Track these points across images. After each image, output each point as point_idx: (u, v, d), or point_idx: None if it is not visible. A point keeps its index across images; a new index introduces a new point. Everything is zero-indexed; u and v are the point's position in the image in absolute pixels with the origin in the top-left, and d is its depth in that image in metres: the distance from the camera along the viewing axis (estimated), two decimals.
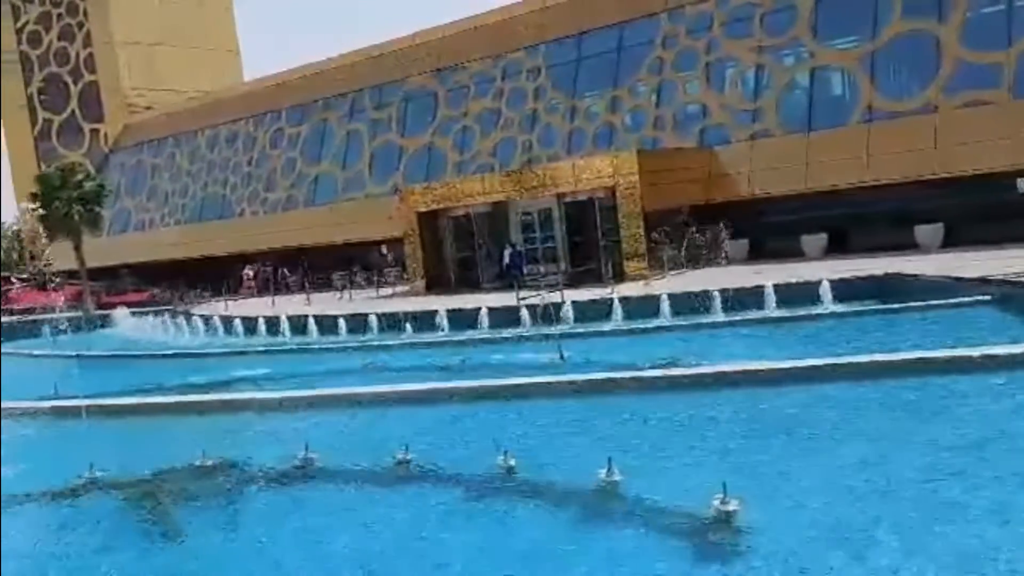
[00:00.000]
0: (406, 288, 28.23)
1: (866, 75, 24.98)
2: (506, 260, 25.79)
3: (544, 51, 32.14)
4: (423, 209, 27.70)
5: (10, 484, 8.36)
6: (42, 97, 53.03)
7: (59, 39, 51.89)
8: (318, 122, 39.21)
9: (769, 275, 19.59)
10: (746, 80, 27.67)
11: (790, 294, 16.84)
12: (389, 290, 28.61)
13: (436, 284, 27.25)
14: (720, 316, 15.87)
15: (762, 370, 10.02)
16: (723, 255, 25.38)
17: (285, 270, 32.44)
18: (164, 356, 19.25)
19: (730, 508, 5.87)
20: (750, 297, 16.88)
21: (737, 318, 15.58)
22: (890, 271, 17.63)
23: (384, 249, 32.04)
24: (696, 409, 9.34)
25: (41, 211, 27.97)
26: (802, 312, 15.33)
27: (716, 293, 17.00)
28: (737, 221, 25.94)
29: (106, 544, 7.00)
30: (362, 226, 34.46)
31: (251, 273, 34.08)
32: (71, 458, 8.96)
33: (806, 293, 16.65)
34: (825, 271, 18.80)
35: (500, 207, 26.90)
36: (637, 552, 5.79)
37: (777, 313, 15.69)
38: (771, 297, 16.67)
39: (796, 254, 24.75)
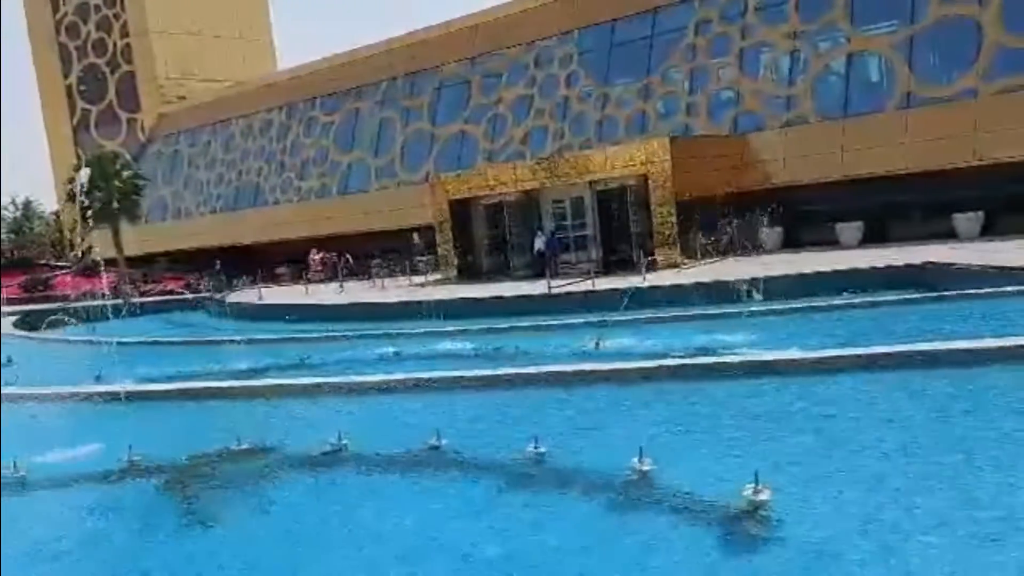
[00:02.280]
0: (437, 276, 28.36)
1: (904, 60, 24.56)
2: (538, 248, 25.81)
3: (577, 38, 32.01)
4: (455, 197, 27.79)
5: (52, 467, 8.59)
6: (81, 87, 53.87)
7: (97, 30, 52.64)
8: (351, 110, 39.42)
9: (803, 264, 19.46)
10: (780, 66, 27.35)
11: (824, 282, 16.70)
12: (421, 278, 28.76)
13: (467, 272, 27.35)
14: (752, 305, 15.73)
15: (809, 359, 9.94)
16: (757, 244, 25.18)
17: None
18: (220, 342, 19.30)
19: (761, 497, 5.87)
20: (783, 286, 16.73)
21: (771, 307, 15.44)
22: (931, 260, 17.38)
23: (416, 237, 32.19)
24: (734, 397, 9.32)
25: (83, 200, 28.51)
26: (839, 301, 15.13)
27: (747, 281, 16.88)
28: (771, 209, 25.70)
29: (144, 525, 7.18)
30: (394, 214, 34.66)
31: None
32: (111, 442, 9.17)
33: (842, 281, 16.46)
34: (862, 260, 18.61)
35: (532, 195, 26.89)
36: (670, 541, 5.82)
37: (813, 303, 15.50)
38: (805, 285, 16.54)
39: (831, 243, 24.48)
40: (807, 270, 18.25)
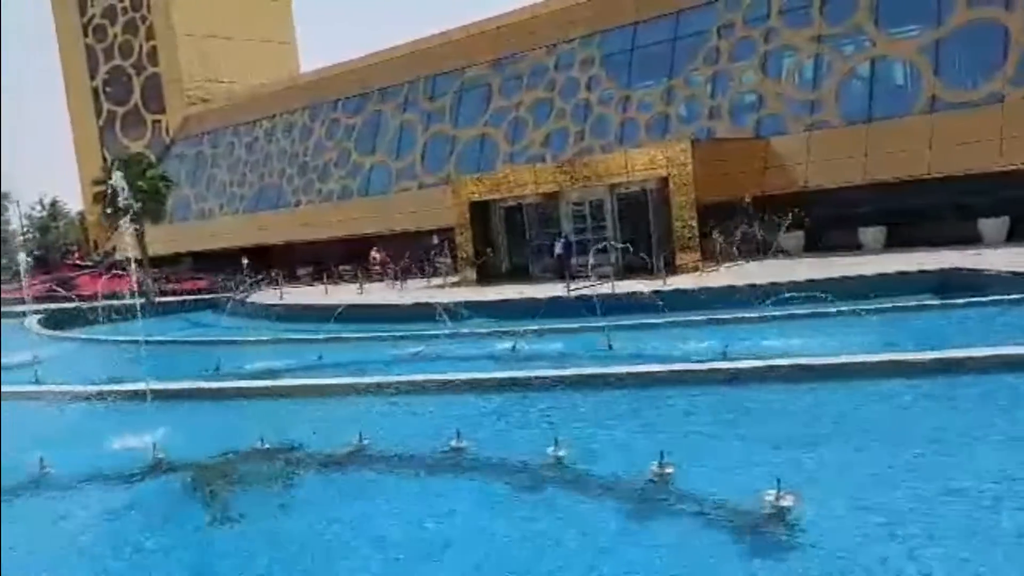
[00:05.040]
0: (456, 278, 28.40)
1: (929, 65, 24.34)
2: (557, 251, 25.80)
3: (598, 41, 31.99)
4: (475, 199, 27.84)
5: (78, 465, 8.69)
6: (107, 89, 54.52)
7: (123, 32, 53.26)
8: (373, 112, 39.61)
9: (825, 268, 19.31)
10: (804, 70, 27.19)
11: (848, 288, 16.54)
12: (440, 280, 28.81)
13: (486, 274, 27.38)
14: (773, 309, 15.62)
15: (842, 364, 9.87)
16: (779, 247, 25.03)
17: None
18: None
19: (785, 503, 5.84)
20: (806, 290, 16.60)
21: (791, 312, 15.34)
22: (955, 265, 17.20)
23: (436, 239, 32.25)
24: (753, 402, 9.28)
25: (119, 202, 28.83)
26: (866, 306, 14.97)
27: (767, 285, 16.78)
28: (793, 213, 25.53)
29: (169, 522, 7.25)
30: (414, 216, 34.77)
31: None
32: (136, 440, 9.27)
33: (865, 287, 16.31)
34: (885, 264, 18.45)
35: (552, 198, 26.88)
36: (691, 545, 5.80)
37: (833, 307, 15.37)
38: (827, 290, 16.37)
39: (854, 247, 24.29)
40: (868, 272, 17.84)
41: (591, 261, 24.10)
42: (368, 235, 36.35)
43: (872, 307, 14.09)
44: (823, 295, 14.89)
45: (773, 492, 5.94)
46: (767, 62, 27.76)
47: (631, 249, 24.60)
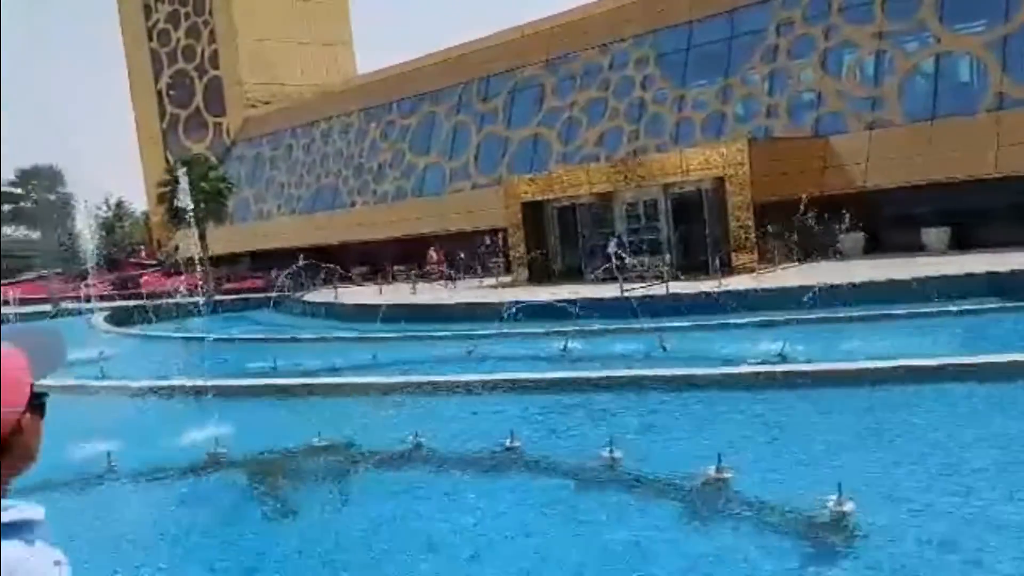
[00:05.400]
0: (508, 278, 28.46)
1: (997, 61, 23.60)
2: (610, 251, 25.66)
3: (653, 40, 31.75)
4: (527, 200, 27.86)
5: (142, 458, 8.93)
6: (170, 92, 55.95)
7: (186, 36, 54.60)
8: (426, 114, 39.92)
9: (886, 270, 18.84)
10: (865, 67, 26.61)
11: (907, 290, 16.13)
12: (492, 280, 28.90)
13: (539, 274, 27.38)
14: (829, 312, 15.32)
15: (886, 368, 9.65)
16: (838, 249, 24.51)
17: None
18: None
19: (845, 509, 5.72)
20: (865, 293, 16.25)
21: (850, 314, 15.03)
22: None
23: (488, 239, 32.36)
24: (806, 407, 9.11)
25: (186, 202, 29.67)
26: (926, 309, 14.59)
27: (823, 287, 16.43)
28: (853, 213, 24.99)
29: (227, 516, 7.41)
30: (467, 216, 34.94)
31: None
32: (197, 434, 9.50)
33: (927, 289, 15.88)
34: (949, 266, 17.92)
35: (605, 198, 26.77)
36: (747, 551, 5.72)
37: (896, 310, 15.01)
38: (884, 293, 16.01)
39: (916, 248, 23.65)
40: (950, 271, 17.31)
41: (645, 261, 23.94)
42: (421, 235, 36.65)
43: (965, 308, 13.75)
44: (896, 297, 14.58)
45: (833, 497, 5.82)
46: (827, 59, 27.22)
47: (686, 249, 24.39)
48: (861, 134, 25.71)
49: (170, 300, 25.68)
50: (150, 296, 35.15)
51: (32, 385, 1.44)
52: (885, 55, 26.07)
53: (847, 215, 24.78)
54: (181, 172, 27.45)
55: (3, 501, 1.36)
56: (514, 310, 18.55)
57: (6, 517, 1.33)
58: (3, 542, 1.29)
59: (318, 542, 6.49)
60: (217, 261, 42.87)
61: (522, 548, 6.08)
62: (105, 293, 38.43)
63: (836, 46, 27.06)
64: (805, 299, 15.63)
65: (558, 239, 28.30)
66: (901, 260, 21.03)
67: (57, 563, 1.35)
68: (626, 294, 19.60)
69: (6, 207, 63.84)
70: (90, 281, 33.52)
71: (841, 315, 14.75)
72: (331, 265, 35.85)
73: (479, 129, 37.17)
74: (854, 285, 16.47)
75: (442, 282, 30.09)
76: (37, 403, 1.45)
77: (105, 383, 13.54)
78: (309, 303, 27.41)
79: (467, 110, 38.03)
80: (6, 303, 31.08)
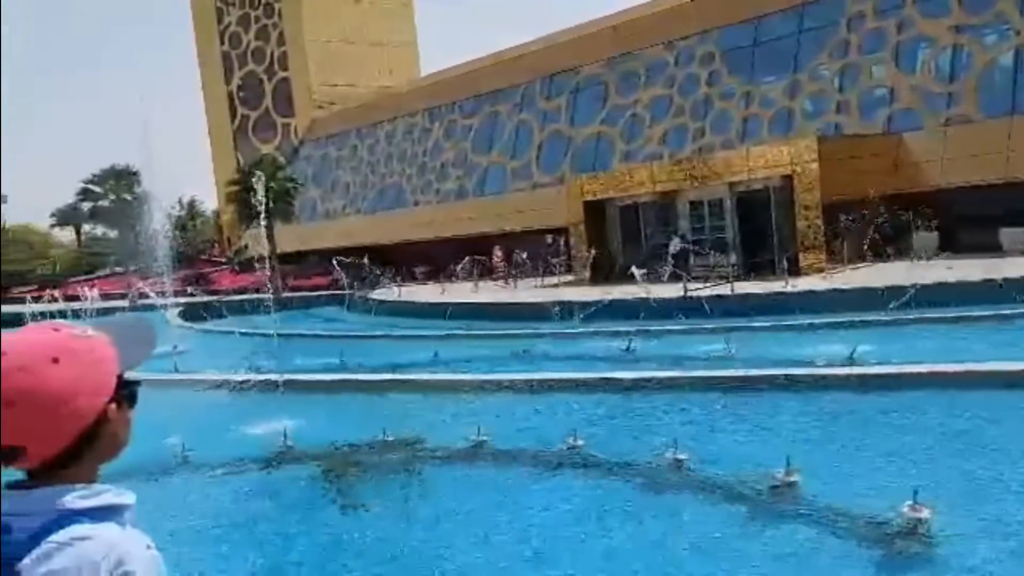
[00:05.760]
0: (570, 278, 28.39)
1: None
2: (673, 250, 25.38)
3: (719, 36, 31.30)
4: (590, 198, 27.74)
5: (214, 450, 9.18)
6: (240, 94, 57.36)
7: (256, 39, 55.90)
8: (489, 113, 40.09)
9: (963, 270, 18.21)
10: (941, 62, 25.79)
11: (984, 291, 15.58)
12: (554, 279, 28.87)
13: (600, 274, 27.23)
14: (901, 313, 14.89)
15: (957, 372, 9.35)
16: (911, 249, 23.81)
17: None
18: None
19: (922, 515, 5.56)
20: (937, 294, 15.75)
21: (922, 316, 14.59)
22: None
23: (550, 239, 32.32)
24: (877, 410, 8.88)
25: (260, 201, 30.48)
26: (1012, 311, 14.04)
27: (892, 288, 15.99)
28: (926, 212, 24.25)
29: (295, 507, 7.57)
30: (528, 215, 34.96)
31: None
32: (268, 427, 9.72)
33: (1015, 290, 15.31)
34: None
35: (668, 196, 26.50)
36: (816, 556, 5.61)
37: (972, 312, 14.50)
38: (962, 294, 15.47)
39: (993, 248, 22.78)
40: None
41: (710, 261, 23.62)
42: (483, 235, 36.81)
43: None
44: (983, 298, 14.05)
45: (908, 503, 5.66)
46: (900, 54, 26.46)
47: (751, 249, 23.98)
48: (936, 131, 24.93)
49: (240, 297, 26.31)
50: (221, 293, 36.12)
51: (120, 375, 1.46)
52: (962, 49, 25.23)
53: (920, 214, 24.09)
54: (255, 173, 28.10)
55: (97, 485, 1.40)
56: (576, 309, 18.55)
57: (101, 500, 1.38)
58: (99, 524, 1.33)
59: (381, 534, 6.58)
60: (283, 259, 43.77)
61: (579, 546, 6.06)
62: (178, 289, 39.57)
63: (910, 40, 26.28)
64: (886, 299, 15.26)
65: (620, 238, 28.11)
66: (980, 261, 20.29)
67: (148, 546, 1.39)
68: (689, 294, 19.38)
69: (86, 205, 66.25)
70: (165, 278, 34.59)
71: (929, 316, 14.32)
72: (393, 264, 36.38)
73: (541, 128, 37.18)
74: (933, 285, 16.00)
75: (501, 282, 30.20)
76: (126, 393, 1.48)
77: (179, 376, 13.94)
78: (375, 300, 27.77)
79: (529, 109, 38.07)
80: (83, 299, 32.22)
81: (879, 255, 23.13)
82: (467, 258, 31.85)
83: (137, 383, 1.51)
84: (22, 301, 37.61)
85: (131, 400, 1.49)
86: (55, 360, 1.36)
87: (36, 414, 1.34)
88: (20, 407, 1.32)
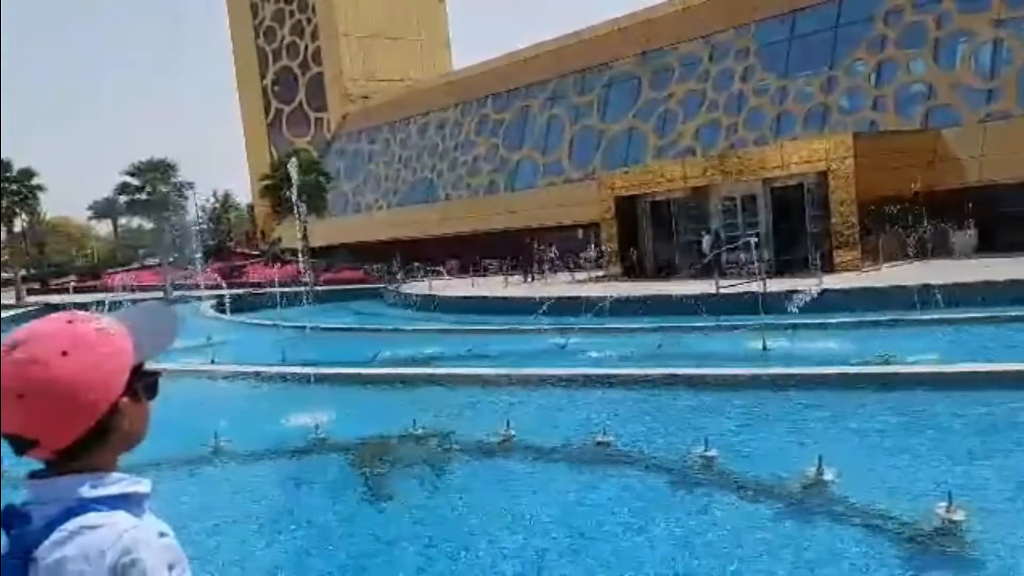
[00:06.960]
0: (600, 273, 28.31)
1: None
2: (704, 247, 25.22)
3: (754, 30, 31.01)
4: (621, 194, 27.64)
5: (248, 439, 9.32)
6: (275, 88, 57.91)
7: (291, 34, 56.39)
8: (520, 108, 40.08)
9: (1002, 269, 17.89)
10: (980, 57, 25.34)
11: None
12: (584, 275, 28.80)
13: (631, 270, 27.14)
14: (936, 313, 14.65)
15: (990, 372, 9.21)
16: (949, 247, 23.45)
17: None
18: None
19: (956, 517, 5.50)
20: (973, 293, 15.49)
21: (956, 316, 14.36)
22: None
23: (581, 234, 32.27)
24: (909, 410, 8.77)
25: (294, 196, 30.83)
26: None
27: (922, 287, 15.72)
28: (964, 210, 23.85)
29: (326, 497, 7.67)
30: (559, 211, 34.93)
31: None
32: (300, 419, 9.84)
33: None
34: None
35: (700, 192, 26.32)
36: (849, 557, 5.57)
37: (1009, 312, 14.24)
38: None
39: None
40: None
41: (741, 257, 23.42)
42: (513, 229, 36.84)
43: None
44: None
45: (944, 505, 5.60)
46: (939, 49, 26.03)
47: (784, 246, 23.74)
48: (975, 127, 24.50)
49: (273, 289, 26.61)
50: (255, 285, 36.51)
51: (138, 366, 1.43)
52: (1002, 44, 24.75)
53: (959, 211, 23.70)
54: (291, 166, 28.34)
55: (113, 474, 1.41)
56: (607, 304, 18.46)
57: (115, 489, 1.39)
58: (111, 513, 1.36)
59: (409, 525, 6.64)
60: (316, 252, 44.18)
61: (608, 541, 6.08)
62: (212, 282, 40.11)
63: (949, 35, 25.84)
64: (917, 297, 15.03)
65: (651, 234, 27.97)
66: (1014, 259, 19.92)
67: (162, 534, 1.40)
68: (721, 290, 19.24)
69: (123, 198, 67.22)
70: (199, 269, 35.05)
71: (969, 315, 14.08)
72: (423, 258, 36.51)
73: (573, 123, 37.11)
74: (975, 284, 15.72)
75: (530, 276, 30.16)
76: (145, 383, 1.45)
77: (214, 367, 14.15)
78: (406, 294, 27.91)
79: (561, 104, 38.00)
80: (117, 289, 32.76)
81: (915, 253, 22.80)
82: (510, 255, 31.58)
83: (156, 374, 1.47)
84: (65, 291, 38.32)
85: (149, 391, 1.46)
86: (64, 353, 1.34)
87: (46, 406, 1.33)
88: (30, 399, 1.32)
